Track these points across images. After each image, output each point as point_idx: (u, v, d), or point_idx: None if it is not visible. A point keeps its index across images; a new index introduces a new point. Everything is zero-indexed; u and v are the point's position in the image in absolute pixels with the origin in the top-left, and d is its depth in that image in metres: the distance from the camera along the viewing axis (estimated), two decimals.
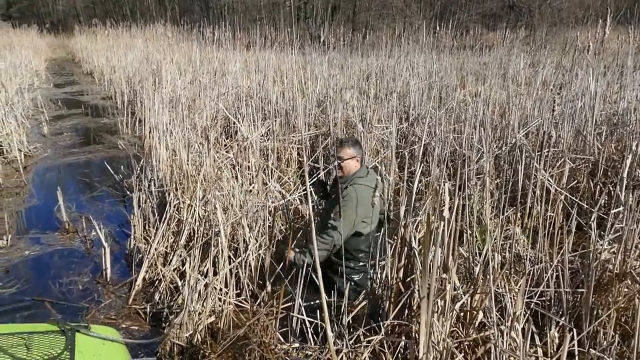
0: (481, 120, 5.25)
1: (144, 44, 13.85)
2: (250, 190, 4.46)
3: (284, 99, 6.45)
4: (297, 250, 3.18)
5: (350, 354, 2.12)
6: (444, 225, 2.15)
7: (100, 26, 20.54)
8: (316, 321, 2.34)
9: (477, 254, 2.76)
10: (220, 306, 3.08)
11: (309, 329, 2.31)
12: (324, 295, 2.02)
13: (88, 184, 5.97)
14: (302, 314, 2.32)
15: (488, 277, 2.20)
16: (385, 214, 3.24)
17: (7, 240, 4.34)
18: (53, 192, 4.90)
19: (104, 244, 3.82)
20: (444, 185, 2.33)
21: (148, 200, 4.23)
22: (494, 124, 5.89)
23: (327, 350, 2.10)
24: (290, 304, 2.37)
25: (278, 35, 12.61)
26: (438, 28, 13.60)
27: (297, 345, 2.25)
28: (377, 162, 5.06)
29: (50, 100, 11.42)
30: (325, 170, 5.04)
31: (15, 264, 4.05)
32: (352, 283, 3.02)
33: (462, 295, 2.24)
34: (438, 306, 2.10)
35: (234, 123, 6.03)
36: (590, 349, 2.15)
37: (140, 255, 3.83)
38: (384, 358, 2.14)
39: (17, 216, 5.02)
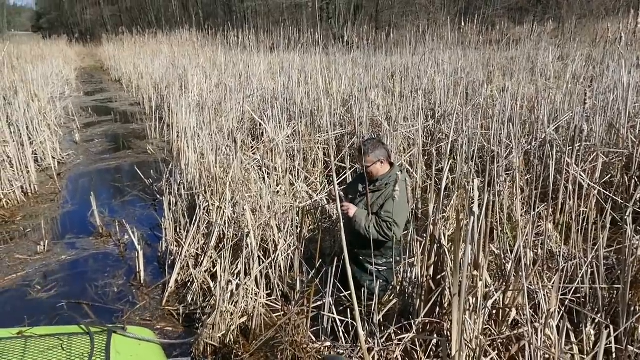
0: (510, 116, 5.17)
1: (170, 50, 14.10)
2: (278, 192, 4.50)
3: (308, 99, 6.49)
4: (361, 211, 3.12)
5: (382, 352, 2.12)
6: (473, 222, 2.13)
7: (127, 34, 21.01)
8: (347, 320, 2.34)
9: (509, 251, 2.72)
10: (252, 306, 3.13)
11: (340, 327, 2.32)
12: (354, 293, 2.03)
13: (119, 189, 6.11)
14: (333, 313, 2.33)
15: (520, 274, 2.17)
16: (412, 212, 3.20)
17: (44, 246, 4.49)
18: (86, 197, 5.04)
19: (137, 247, 3.92)
20: (473, 181, 2.31)
21: (178, 203, 4.31)
22: (523, 119, 5.79)
23: (358, 348, 2.10)
24: (321, 302, 2.38)
25: (301, 37, 12.65)
26: (463, 24, 13.43)
27: (328, 344, 2.26)
28: (404, 161, 5.04)
29: (80, 108, 11.74)
30: (352, 170, 5.05)
31: (53, 269, 4.19)
32: (382, 281, 3.01)
33: (494, 293, 2.21)
34: (470, 304, 2.09)
35: (260, 125, 6.09)
36: (628, 346, 2.10)
37: (172, 258, 3.91)
38: (416, 356, 2.13)
39: (52, 222, 5.18)
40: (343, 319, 2.33)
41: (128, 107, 12.23)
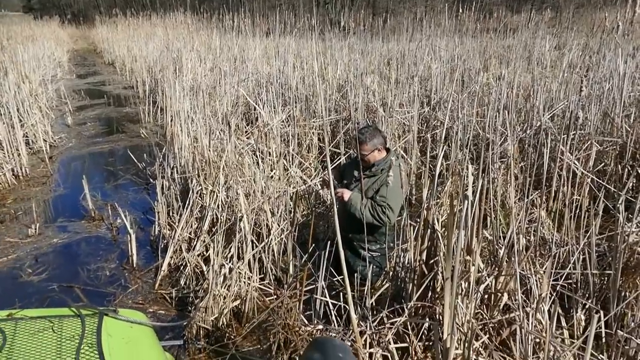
0: (505, 104, 5.16)
1: (164, 33, 13.93)
2: (272, 176, 4.48)
3: (304, 84, 6.44)
4: (356, 195, 3.15)
5: (374, 335, 2.12)
6: (467, 208, 2.13)
7: (121, 16, 20.71)
8: (339, 303, 2.35)
9: (501, 237, 2.73)
10: (244, 290, 3.13)
11: (332, 311, 2.32)
12: (347, 277, 2.03)
13: (112, 173, 6.07)
14: (326, 296, 2.33)
15: (513, 259, 2.18)
16: (407, 198, 3.20)
17: (35, 229, 4.46)
18: (78, 181, 5.00)
19: (130, 231, 3.89)
20: (468, 168, 2.30)
21: (171, 187, 4.28)
22: (518, 107, 5.79)
23: (351, 331, 2.11)
24: (314, 286, 2.38)
25: (297, 21, 12.53)
26: (460, 11, 13.35)
27: (321, 327, 2.27)
28: (399, 147, 5.02)
29: (73, 90, 11.61)
30: (347, 155, 5.03)
31: (44, 251, 4.16)
32: (375, 266, 3.02)
33: (487, 278, 2.22)
34: (462, 288, 2.09)
35: (255, 109, 6.05)
36: (618, 331, 2.11)
37: (165, 241, 3.90)
38: (408, 339, 2.14)
39: (44, 205, 5.14)
40: (335, 302, 2.33)
41: (121, 90, 12.11)
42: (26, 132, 6.68)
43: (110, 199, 5.11)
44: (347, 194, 2.96)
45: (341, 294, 2.45)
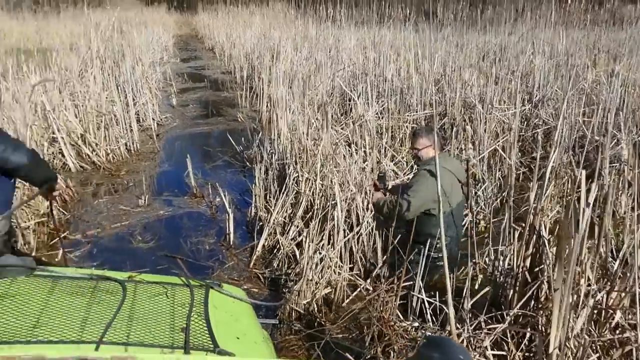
0: (618, 103, 4.79)
1: (262, 21, 14.35)
2: (364, 168, 4.51)
3: (399, 77, 6.38)
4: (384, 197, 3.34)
5: (472, 339, 2.10)
6: (581, 216, 2.03)
7: (221, 4, 21.62)
8: (436, 302, 2.34)
9: (613, 250, 2.56)
10: (334, 279, 3.21)
11: (428, 309, 2.32)
12: (448, 277, 2.01)
13: (211, 154, 6.42)
14: (422, 294, 2.33)
15: (628, 275, 2.05)
16: (469, 201, 3.26)
17: (144, 200, 4.84)
18: (181, 159, 5.33)
19: (228, 210, 4.12)
20: (579, 172, 2.18)
21: (269, 171, 4.45)
22: (633, 107, 5.35)
23: (447, 333, 2.10)
24: (410, 283, 2.39)
25: (393, 12, 12.37)
26: (568, 1, 12.46)
27: (416, 324, 2.28)
28: (497, 146, 4.84)
29: (177, 73, 12.33)
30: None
31: (151, 221, 4.52)
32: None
33: (597, 292, 2.10)
34: (570, 301, 2.00)
35: (349, 100, 6.10)
36: None
37: (261, 224, 4.07)
38: (506, 348, 2.09)
39: (152, 179, 5.55)
40: (432, 301, 2.32)
41: (220, 75, 12.69)
42: (137, 111, 7.22)
43: (210, 178, 5.42)
44: (375, 197, 3.27)
45: (437, 292, 2.43)
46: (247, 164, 5.82)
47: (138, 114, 7.26)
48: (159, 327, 1.78)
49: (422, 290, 2.36)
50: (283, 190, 4.00)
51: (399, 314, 2.41)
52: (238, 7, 18.93)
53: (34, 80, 6.06)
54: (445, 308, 2.12)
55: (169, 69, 11.07)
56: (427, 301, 2.31)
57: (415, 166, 3.86)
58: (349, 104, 6.17)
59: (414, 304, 2.41)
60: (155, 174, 5.73)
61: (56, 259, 3.79)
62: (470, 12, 14.59)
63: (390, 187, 3.75)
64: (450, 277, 2.00)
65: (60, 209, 4.51)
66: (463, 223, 3.47)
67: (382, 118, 5.57)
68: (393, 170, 4.83)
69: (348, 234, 3.41)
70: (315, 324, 2.94)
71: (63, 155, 5.62)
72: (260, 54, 10.27)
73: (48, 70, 6.81)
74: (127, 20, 15.01)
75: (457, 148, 4.95)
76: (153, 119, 7.35)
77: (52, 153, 5.59)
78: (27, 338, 1.55)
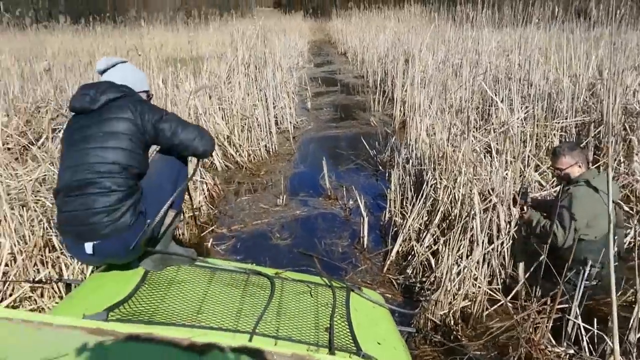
0: None
1: (396, 25, 14.32)
2: (505, 177, 4.27)
3: (546, 81, 5.92)
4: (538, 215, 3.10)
5: None
6: None
7: (355, 9, 22.03)
8: (594, 330, 2.12)
9: None
10: (472, 292, 3.07)
11: (584, 336, 2.11)
12: (615, 304, 1.81)
13: (344, 156, 6.55)
14: (578, 319, 2.13)
15: None
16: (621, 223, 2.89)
17: (282, 200, 5.10)
18: (316, 160, 5.53)
19: (363, 213, 4.17)
20: None
21: (405, 177, 4.42)
22: None
23: None
24: (566, 306, 2.20)
25: (536, 11, 11.50)
26: None
27: (572, 351, 2.09)
28: None
29: (310, 78, 12.81)
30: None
31: (288, 220, 4.74)
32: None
33: None
34: None
35: (490, 105, 5.82)
36: None
37: (395, 229, 4.06)
38: None
39: (288, 180, 5.82)
40: (590, 328, 2.11)
41: (352, 79, 12.93)
42: (276, 114, 7.64)
43: (344, 180, 5.54)
44: (527, 214, 3.06)
45: (595, 318, 2.21)
46: (380, 168, 5.84)
47: (276, 117, 7.67)
48: (304, 324, 1.86)
49: (579, 315, 2.15)
50: (420, 196, 3.94)
51: (550, 337, 2.22)
52: (372, 11, 19.12)
53: (188, 87, 6.74)
54: (605, 338, 1.91)
55: (304, 73, 11.55)
56: (585, 328, 2.10)
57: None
58: (489, 110, 5.89)
59: (569, 329, 2.20)
60: (291, 174, 6.00)
61: (200, 251, 4.14)
62: (632, 7, 13.00)
63: (530, 201, 3.47)
64: (614, 305, 1.80)
65: (209, 204, 4.94)
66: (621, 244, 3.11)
67: (526, 125, 5.22)
68: (538, 182, 4.49)
69: (487, 246, 3.24)
70: (452, 337, 2.85)
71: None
72: (394, 57, 10.25)
73: (200, 77, 7.50)
74: (269, 28, 15.96)
75: (616, 160, 4.45)
76: (290, 122, 7.73)
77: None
78: (192, 322, 1.72)
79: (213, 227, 4.57)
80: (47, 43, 12.72)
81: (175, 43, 15.60)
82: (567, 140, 5.18)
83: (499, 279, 3.27)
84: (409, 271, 3.61)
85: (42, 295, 2.99)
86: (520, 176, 4.36)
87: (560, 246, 2.80)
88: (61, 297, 2.99)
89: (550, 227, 2.82)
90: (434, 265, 3.41)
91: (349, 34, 18.18)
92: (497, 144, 4.69)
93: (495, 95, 5.73)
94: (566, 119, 5.33)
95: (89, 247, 1.84)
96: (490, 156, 4.46)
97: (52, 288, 2.98)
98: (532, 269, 2.92)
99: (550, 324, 2.24)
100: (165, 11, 20.51)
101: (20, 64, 9.02)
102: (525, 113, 5.34)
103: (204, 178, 5.09)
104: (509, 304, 2.95)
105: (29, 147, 4.87)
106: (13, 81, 6.97)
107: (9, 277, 2.88)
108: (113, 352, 1.03)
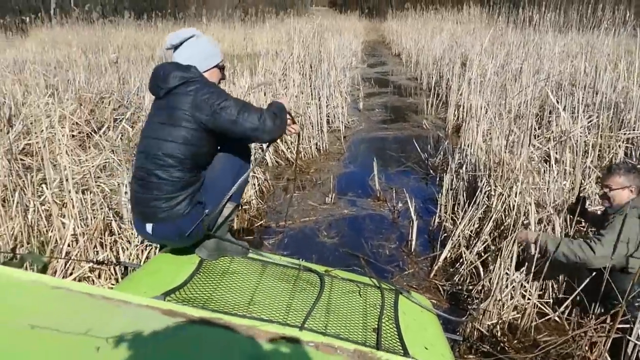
0: None
1: (454, 27, 14.05)
2: (563, 188, 4.10)
3: (614, 90, 5.64)
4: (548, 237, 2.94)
5: None
6: None
7: (411, 10, 21.78)
8: None
9: None
10: (522, 303, 2.98)
11: None
12: None
13: (395, 159, 6.49)
14: None
15: None
16: None
17: (331, 198, 5.12)
18: (366, 161, 5.51)
19: (413, 216, 4.12)
20: None
21: (458, 182, 4.33)
22: None
23: None
24: (627, 326, 2.09)
25: (607, 15, 10.98)
26: None
27: None
28: None
29: (363, 78, 12.77)
30: None
31: (336, 219, 4.75)
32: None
33: None
34: None
35: (550, 112, 5.61)
36: None
37: (445, 235, 3.99)
38: None
39: (337, 179, 5.83)
40: None
41: (405, 81, 12.78)
42: (328, 113, 7.67)
43: (393, 182, 5.49)
44: (532, 236, 2.96)
45: None
46: (431, 171, 5.76)
47: (328, 116, 7.70)
48: (352, 323, 1.86)
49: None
50: (472, 203, 3.85)
51: (608, 357, 2.12)
52: (429, 12, 18.83)
53: (244, 83, 6.88)
54: None
55: (357, 74, 11.52)
56: None
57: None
58: (548, 117, 5.67)
59: (629, 350, 2.10)
60: (340, 174, 6.01)
61: (250, 244, 4.22)
62: None
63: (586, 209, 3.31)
64: None
65: (258, 199, 5.02)
66: None
67: (589, 134, 4.99)
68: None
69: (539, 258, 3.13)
70: (499, 347, 2.77)
71: (262, 150, 6.25)
72: (450, 60, 10.06)
73: (256, 74, 7.64)
74: (326, 27, 16.03)
75: None
76: (341, 122, 7.73)
77: (254, 147, 6.24)
78: (244, 312, 1.76)
79: (262, 222, 4.64)
80: (111, 37, 13.32)
81: (231, 39, 15.97)
82: (634, 151, 4.91)
83: (550, 293, 3.16)
84: (456, 278, 3.54)
85: (99, 277, 3.14)
86: (580, 187, 4.19)
87: (591, 262, 2.61)
88: (117, 280, 3.14)
89: (584, 243, 2.64)
90: (482, 274, 3.32)
91: (403, 35, 17.98)
92: (556, 152, 4.52)
93: (557, 102, 5.51)
94: (634, 129, 5.06)
95: (149, 227, 1.99)
96: (548, 165, 4.30)
97: (109, 270, 3.13)
98: (583, 285, 2.76)
99: (609, 344, 2.14)
100: (224, 9, 21.02)
101: (87, 56, 9.51)
102: (589, 122, 5.12)
103: (255, 173, 5.19)
104: (563, 320, 2.84)
105: (91, 135, 5.11)
106: (80, 72, 7.35)
107: (71, 257, 3.05)
108: (183, 333, 1.09)
